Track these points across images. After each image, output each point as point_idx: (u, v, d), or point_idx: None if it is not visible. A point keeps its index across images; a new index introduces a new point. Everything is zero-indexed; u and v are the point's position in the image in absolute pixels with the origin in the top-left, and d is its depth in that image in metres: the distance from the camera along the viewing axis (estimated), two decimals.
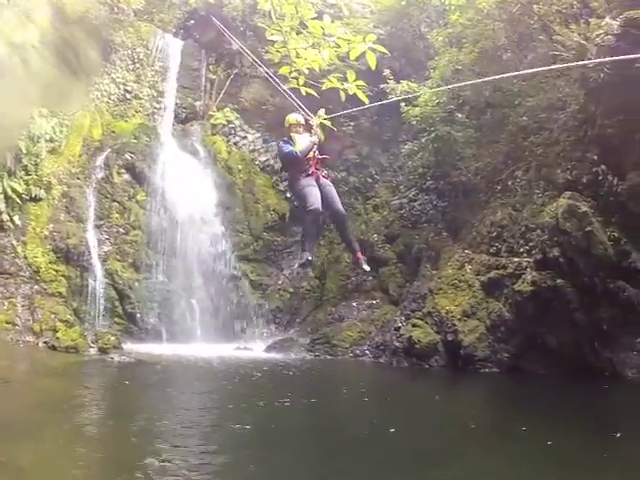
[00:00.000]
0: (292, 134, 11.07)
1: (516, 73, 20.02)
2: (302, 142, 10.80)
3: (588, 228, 17.94)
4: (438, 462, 10.26)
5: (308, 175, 10.67)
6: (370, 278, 26.48)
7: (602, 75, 17.33)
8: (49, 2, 24.18)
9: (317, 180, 10.85)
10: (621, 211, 18.07)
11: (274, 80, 11.27)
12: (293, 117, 11.38)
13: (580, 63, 16.22)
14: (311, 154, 10.66)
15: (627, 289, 18.00)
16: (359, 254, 11.31)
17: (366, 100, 8.20)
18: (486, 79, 17.61)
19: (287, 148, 10.73)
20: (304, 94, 8.11)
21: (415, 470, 9.85)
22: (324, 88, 7.98)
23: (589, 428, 12.67)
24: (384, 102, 15.27)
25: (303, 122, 11.15)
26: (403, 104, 24.02)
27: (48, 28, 23.50)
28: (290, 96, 10.53)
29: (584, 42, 18.10)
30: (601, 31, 17.39)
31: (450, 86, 19.63)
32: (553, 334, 18.82)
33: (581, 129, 19.80)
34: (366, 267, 11.54)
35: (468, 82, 19.05)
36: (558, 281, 18.53)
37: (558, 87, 21.04)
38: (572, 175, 19.60)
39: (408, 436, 11.90)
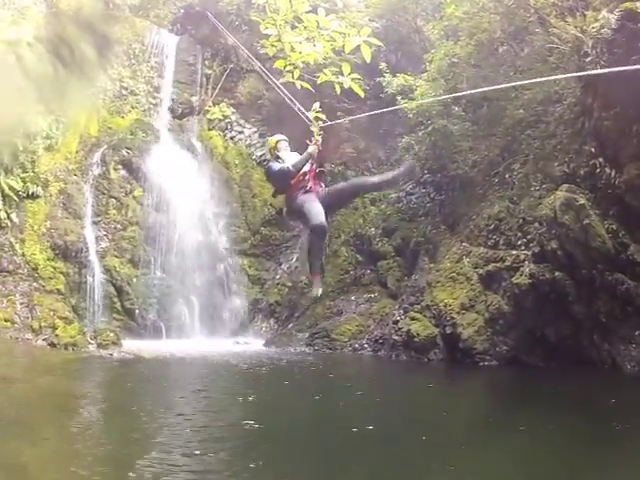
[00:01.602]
0: (279, 153, 10.09)
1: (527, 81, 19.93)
2: (292, 157, 9.87)
3: (586, 221, 17.92)
4: (445, 456, 10.25)
5: (307, 192, 9.55)
6: (368, 272, 26.53)
7: (599, 67, 17.29)
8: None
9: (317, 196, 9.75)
10: (619, 204, 18.04)
11: (269, 77, 10.36)
12: (274, 139, 10.34)
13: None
14: (307, 167, 9.58)
15: (625, 282, 17.97)
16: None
17: (362, 93, 8.12)
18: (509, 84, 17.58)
19: (276, 165, 9.80)
20: (299, 87, 8.04)
21: (419, 465, 9.84)
22: (319, 82, 7.93)
23: (589, 421, 12.67)
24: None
25: (286, 139, 10.26)
26: (399, 97, 23.99)
27: (42, 25, 23.42)
28: (284, 93, 9.51)
29: (580, 35, 18.07)
30: (597, 24, 17.36)
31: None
32: (552, 327, 18.82)
33: (578, 122, 19.76)
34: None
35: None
36: (556, 274, 18.52)
37: (554, 80, 21.01)
38: (569, 168, 19.57)
39: (412, 430, 11.90)
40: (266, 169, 10.22)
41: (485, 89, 18.02)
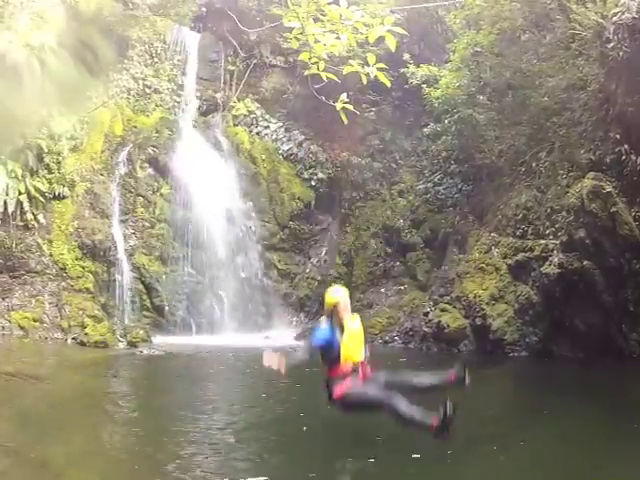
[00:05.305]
0: (341, 314, 9.81)
1: None
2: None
3: (613, 209, 17.76)
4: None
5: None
6: (398, 264, 26.52)
7: (621, 53, 17.18)
8: (62, 1, 24.16)
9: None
10: None
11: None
12: (335, 296, 9.78)
13: None
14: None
15: None
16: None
17: (388, 83, 8.12)
18: None
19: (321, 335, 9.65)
20: (325, 79, 8.04)
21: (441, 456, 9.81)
22: (345, 73, 7.92)
23: (617, 413, 12.53)
24: None
25: (347, 298, 9.89)
26: (425, 86, 24.05)
27: (63, 28, 23.50)
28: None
29: (602, 21, 17.97)
30: (618, 9, 17.25)
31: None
32: (580, 316, 18.67)
33: (602, 108, 19.61)
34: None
35: None
36: (585, 263, 18.35)
37: (578, 66, 20.88)
38: (595, 155, 19.40)
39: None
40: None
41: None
